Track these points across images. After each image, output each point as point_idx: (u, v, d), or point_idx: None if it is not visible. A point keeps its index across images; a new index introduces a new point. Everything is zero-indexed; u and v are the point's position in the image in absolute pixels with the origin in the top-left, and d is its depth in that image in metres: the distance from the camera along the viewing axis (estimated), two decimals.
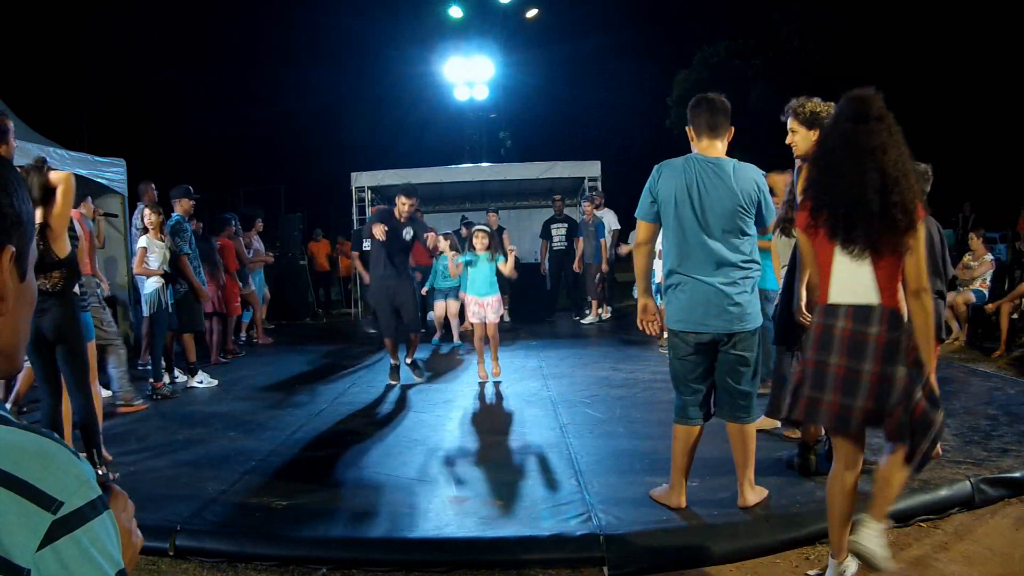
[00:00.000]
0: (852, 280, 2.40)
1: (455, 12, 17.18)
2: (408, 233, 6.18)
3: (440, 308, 8.88)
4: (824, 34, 18.07)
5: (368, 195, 11.98)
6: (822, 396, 2.41)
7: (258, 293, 9.26)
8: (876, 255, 2.35)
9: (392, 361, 6.27)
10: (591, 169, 11.98)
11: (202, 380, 6.48)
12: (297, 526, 3.20)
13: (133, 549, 0.87)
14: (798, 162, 3.52)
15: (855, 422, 2.38)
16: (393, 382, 6.17)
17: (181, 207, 6.75)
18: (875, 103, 2.38)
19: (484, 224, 6.55)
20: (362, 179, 11.87)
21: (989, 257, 7.74)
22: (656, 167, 3.16)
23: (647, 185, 3.15)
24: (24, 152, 6.29)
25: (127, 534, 0.84)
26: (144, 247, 6.03)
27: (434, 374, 6.86)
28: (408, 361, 6.35)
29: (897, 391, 2.32)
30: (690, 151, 3.20)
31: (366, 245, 8.93)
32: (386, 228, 5.86)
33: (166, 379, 6.38)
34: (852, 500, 2.49)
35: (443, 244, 8.32)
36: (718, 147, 3.16)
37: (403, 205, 6.10)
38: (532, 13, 18.43)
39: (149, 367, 6.33)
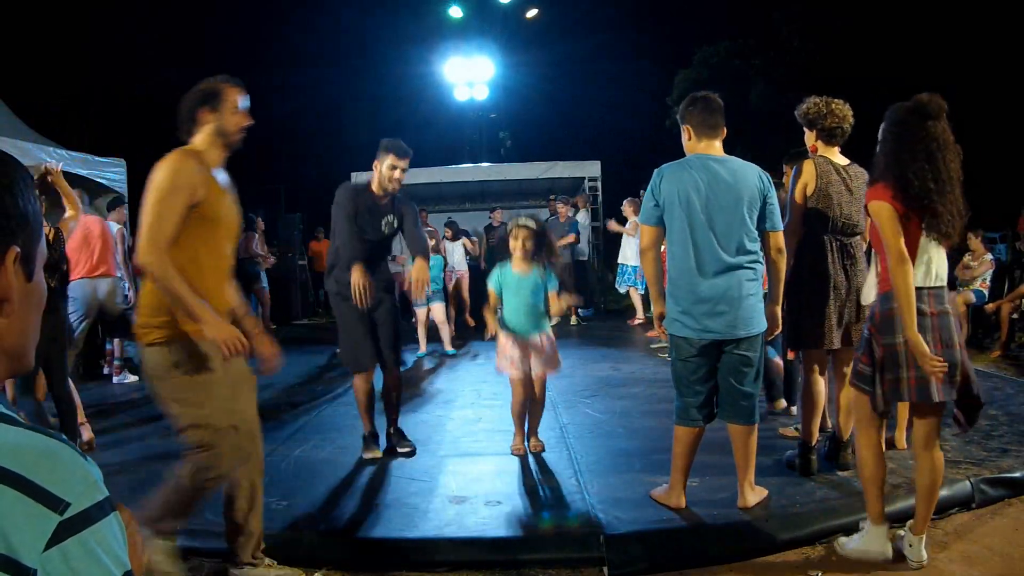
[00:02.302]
0: (935, 264, 2.60)
1: (455, 12, 17.23)
2: (389, 224, 4.06)
3: (422, 314, 7.72)
4: (824, 34, 18.05)
5: None
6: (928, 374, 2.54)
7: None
8: (947, 242, 2.59)
9: (365, 427, 4.14)
10: (591, 169, 12.00)
11: None
12: (297, 526, 3.20)
13: (139, 560, 0.87)
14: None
15: (956, 392, 2.58)
16: (369, 456, 4.06)
17: None
18: (943, 104, 2.56)
19: (528, 218, 4.10)
20: (362, 179, 11.85)
21: (989, 257, 7.74)
22: (656, 171, 3.12)
23: (649, 189, 3.12)
24: (24, 152, 6.30)
25: (134, 544, 0.84)
26: None
27: (433, 375, 6.86)
28: (390, 430, 4.20)
29: (966, 359, 2.60)
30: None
31: None
32: (369, 284, 3.79)
33: None
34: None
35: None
36: (716, 146, 3.13)
37: (392, 171, 3.93)
38: (532, 13, 18.46)
39: None
